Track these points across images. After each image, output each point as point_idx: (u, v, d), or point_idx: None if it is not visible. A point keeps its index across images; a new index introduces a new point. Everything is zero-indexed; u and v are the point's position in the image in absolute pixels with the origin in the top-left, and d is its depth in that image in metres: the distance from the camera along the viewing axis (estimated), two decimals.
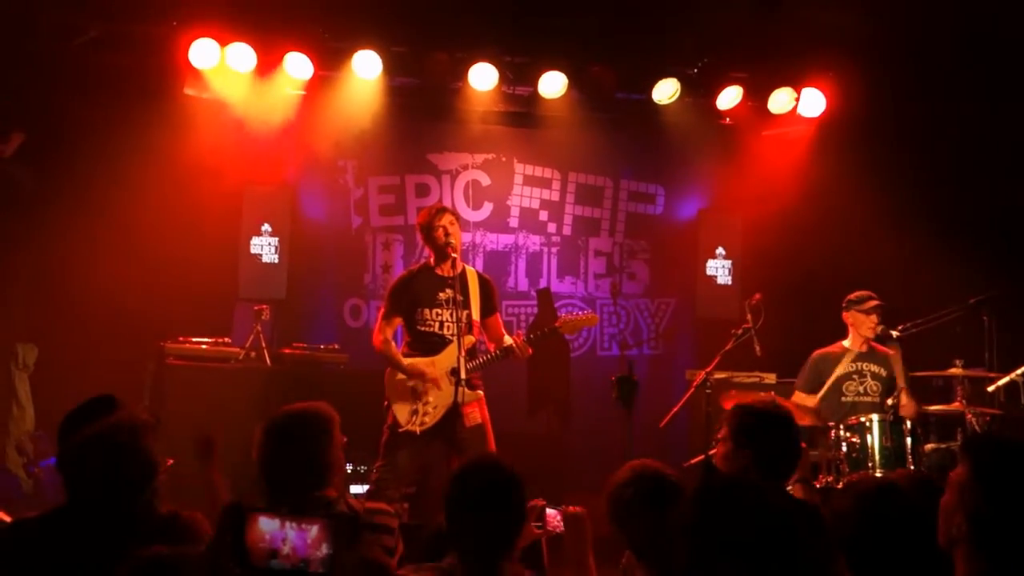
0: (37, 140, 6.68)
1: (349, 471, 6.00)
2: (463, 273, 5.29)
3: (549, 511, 3.08)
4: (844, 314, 5.91)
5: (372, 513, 2.85)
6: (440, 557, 2.60)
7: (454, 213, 5.46)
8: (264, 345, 6.39)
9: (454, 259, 5.25)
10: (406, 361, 5.27)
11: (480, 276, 5.49)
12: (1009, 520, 2.01)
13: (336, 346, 6.75)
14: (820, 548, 2.63)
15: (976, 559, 2.04)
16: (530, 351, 5.30)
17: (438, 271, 5.36)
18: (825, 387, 5.89)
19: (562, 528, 3.03)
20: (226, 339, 6.50)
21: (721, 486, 2.12)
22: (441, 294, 5.30)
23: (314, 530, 2.04)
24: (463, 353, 5.01)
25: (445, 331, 5.27)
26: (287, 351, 6.56)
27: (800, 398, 5.91)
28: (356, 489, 5.94)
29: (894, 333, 5.82)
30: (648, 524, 2.71)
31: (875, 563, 2.26)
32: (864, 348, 5.88)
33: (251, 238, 7.08)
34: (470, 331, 5.23)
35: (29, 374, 6.66)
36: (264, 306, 6.51)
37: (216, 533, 2.06)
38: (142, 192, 6.58)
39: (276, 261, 7.09)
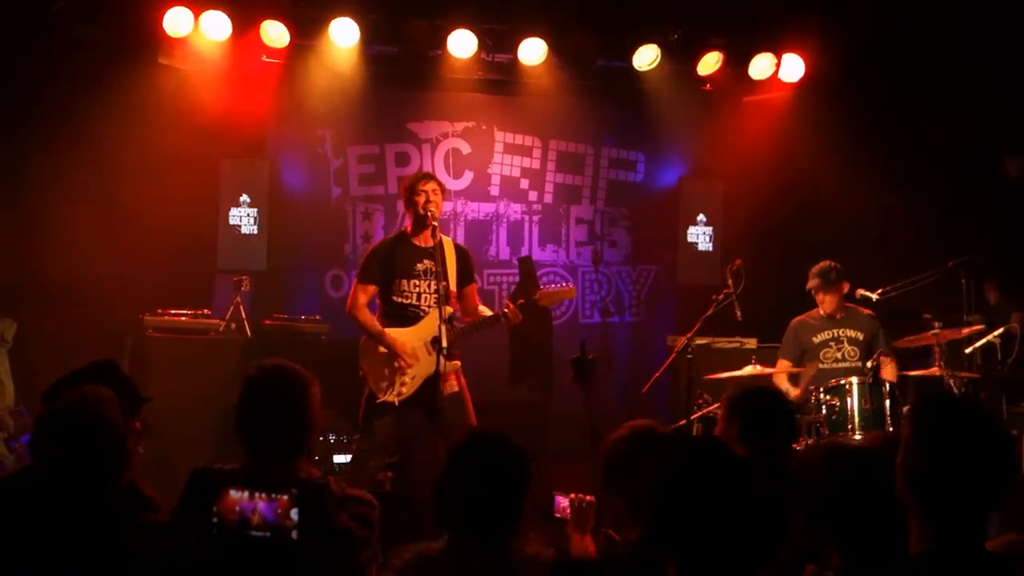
0: (9, 113, 6.58)
1: (332, 441, 6.01)
2: (441, 244, 5.25)
3: (559, 498, 3.19)
4: None
5: (350, 501, 2.75)
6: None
7: (439, 182, 5.43)
8: (244, 316, 6.36)
9: (434, 227, 5.22)
10: (385, 332, 5.24)
11: (457, 247, 5.48)
12: (945, 476, 2.01)
13: (317, 316, 6.73)
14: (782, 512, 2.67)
15: (918, 515, 2.05)
16: (520, 318, 5.30)
17: (416, 240, 5.32)
18: (804, 355, 5.94)
19: (569, 515, 3.10)
20: (206, 311, 6.47)
21: (690, 448, 2.13)
22: (419, 265, 5.27)
23: (283, 500, 2.05)
24: (444, 323, 5.00)
25: (421, 302, 5.26)
26: (268, 322, 6.54)
27: (784, 367, 5.96)
28: (340, 459, 5.95)
29: (873, 296, 5.87)
30: (639, 479, 2.74)
31: (846, 526, 2.28)
32: (840, 314, 5.93)
33: (230, 209, 7.02)
34: (447, 302, 5.20)
35: (8, 349, 6.61)
36: (244, 277, 6.47)
37: (181, 502, 2.06)
38: (118, 164, 6.52)
39: (255, 232, 7.04)
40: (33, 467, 2.52)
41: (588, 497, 3.12)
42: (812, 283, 5.91)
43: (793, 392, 5.80)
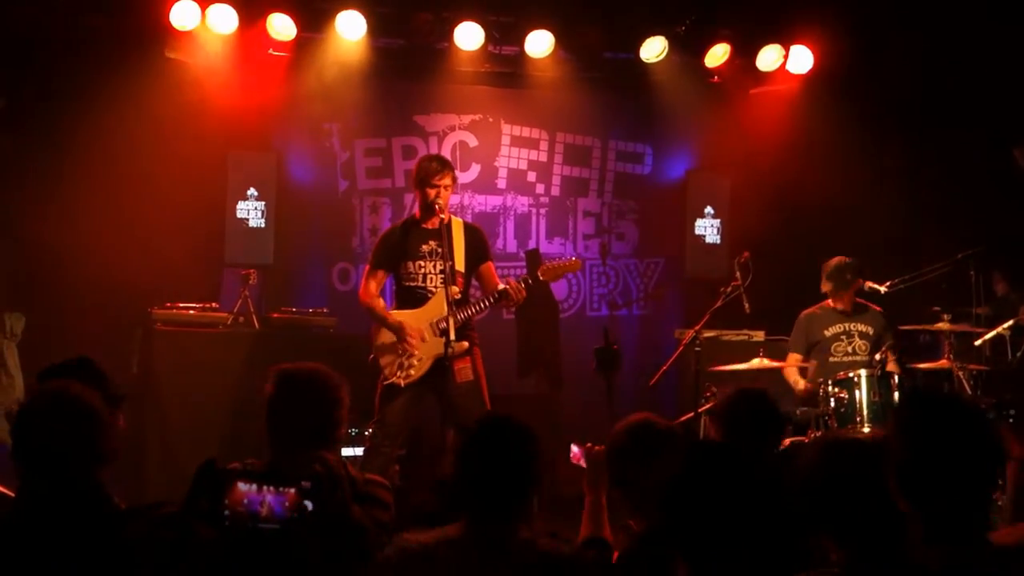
0: (18, 105, 6.60)
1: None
2: (449, 224, 5.19)
3: (573, 448, 3.16)
4: None
5: (369, 484, 2.81)
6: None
7: (454, 176, 5.38)
8: (252, 310, 6.37)
9: (441, 219, 5.19)
10: (390, 315, 5.24)
11: (467, 226, 5.40)
12: (927, 469, 2.02)
13: (325, 310, 6.73)
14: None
15: (916, 519, 2.04)
16: (524, 293, 5.16)
17: (423, 224, 5.30)
18: (814, 348, 5.92)
19: (583, 464, 3.08)
20: (214, 304, 6.48)
21: (704, 450, 2.13)
22: (424, 247, 5.24)
23: (292, 492, 2.06)
24: (451, 304, 4.94)
25: (428, 284, 5.23)
26: (275, 315, 6.55)
27: (795, 360, 5.94)
28: (348, 451, 5.96)
29: (881, 289, 5.85)
30: (642, 473, 2.75)
31: (840, 517, 2.26)
32: (849, 307, 5.91)
33: (237, 203, 7.01)
34: (454, 282, 5.10)
35: (17, 343, 6.63)
36: (251, 271, 6.48)
37: (188, 495, 2.07)
38: (126, 158, 6.52)
39: (263, 226, 7.03)
40: (17, 461, 2.49)
41: (599, 447, 3.07)
42: (827, 287, 5.88)
43: (801, 385, 5.79)
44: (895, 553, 2.11)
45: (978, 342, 5.87)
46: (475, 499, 2.46)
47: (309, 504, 2.06)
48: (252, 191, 7.01)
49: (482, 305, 5.20)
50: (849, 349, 5.84)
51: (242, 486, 2.04)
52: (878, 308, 5.95)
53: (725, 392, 3.58)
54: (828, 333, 5.90)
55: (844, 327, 5.88)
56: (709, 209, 7.74)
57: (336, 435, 2.84)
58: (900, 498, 2.06)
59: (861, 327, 5.88)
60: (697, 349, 5.77)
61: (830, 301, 5.95)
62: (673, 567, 1.97)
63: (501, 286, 5.20)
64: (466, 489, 2.47)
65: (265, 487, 2.04)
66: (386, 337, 5.22)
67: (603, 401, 6.02)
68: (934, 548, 2.00)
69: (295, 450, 2.72)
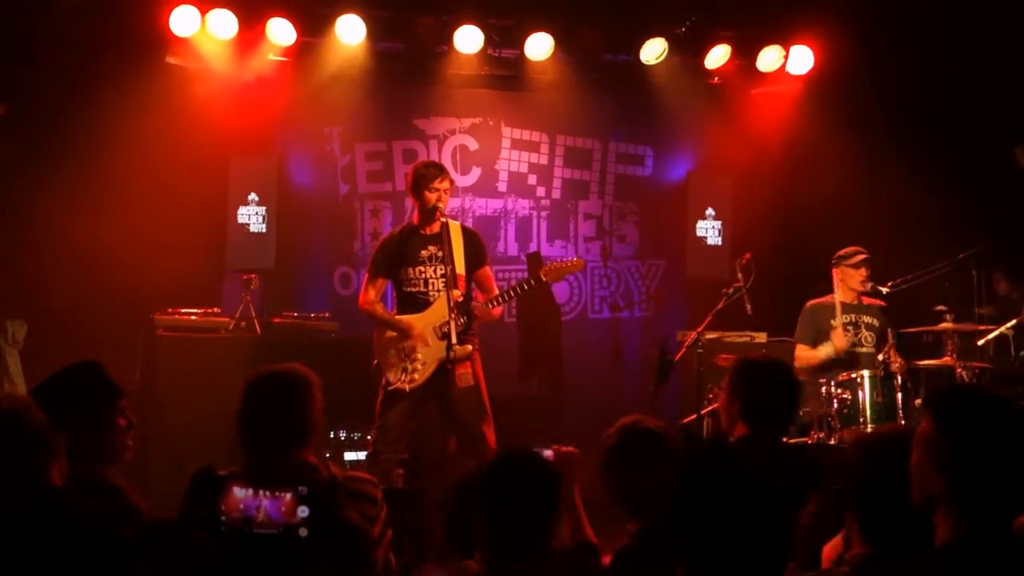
0: (19, 111, 6.60)
1: (343, 438, 6.01)
2: (446, 227, 5.16)
3: (545, 452, 3.11)
4: (833, 270, 5.93)
5: (352, 481, 2.80)
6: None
7: (451, 179, 5.38)
8: (254, 314, 6.37)
9: (442, 221, 5.18)
10: (393, 317, 5.23)
11: (465, 229, 5.39)
12: (985, 475, 1.98)
13: (326, 314, 6.72)
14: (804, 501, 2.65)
15: (957, 518, 2.01)
16: (494, 313, 5.22)
17: (422, 230, 5.29)
18: (823, 337, 5.89)
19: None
20: (215, 309, 6.47)
21: (701, 452, 2.11)
22: (424, 252, 5.23)
23: (288, 498, 2.04)
24: (452, 307, 4.93)
25: (429, 288, 5.22)
26: (277, 320, 6.55)
27: (803, 351, 5.90)
28: (352, 456, 5.95)
29: (884, 289, 5.83)
30: (627, 475, 2.75)
31: (885, 513, 2.25)
32: (855, 301, 5.90)
33: (238, 208, 7.03)
34: (455, 286, 5.07)
35: (19, 349, 6.64)
36: (253, 275, 6.48)
37: (186, 501, 2.05)
38: (127, 163, 6.52)
39: (264, 230, 7.04)
40: None
41: (568, 448, 3.02)
42: (861, 257, 5.80)
43: (840, 343, 5.71)
44: (917, 549, 2.09)
45: (981, 342, 5.86)
46: (496, 538, 2.43)
47: (305, 509, 2.04)
48: (253, 196, 7.02)
49: (460, 323, 5.07)
50: (857, 340, 5.82)
51: (238, 491, 2.03)
52: (882, 303, 5.92)
53: (746, 363, 3.52)
54: (835, 323, 5.87)
55: (851, 317, 5.87)
56: (710, 211, 7.74)
57: (309, 435, 2.80)
58: (934, 490, 2.03)
59: (867, 319, 5.87)
60: (699, 351, 5.76)
61: (835, 295, 5.93)
62: (671, 565, 1.96)
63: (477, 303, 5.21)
64: (485, 528, 2.44)
65: (261, 492, 2.03)
66: (389, 343, 5.21)
67: (604, 403, 6.05)
68: (968, 537, 1.98)
69: (267, 452, 2.72)
